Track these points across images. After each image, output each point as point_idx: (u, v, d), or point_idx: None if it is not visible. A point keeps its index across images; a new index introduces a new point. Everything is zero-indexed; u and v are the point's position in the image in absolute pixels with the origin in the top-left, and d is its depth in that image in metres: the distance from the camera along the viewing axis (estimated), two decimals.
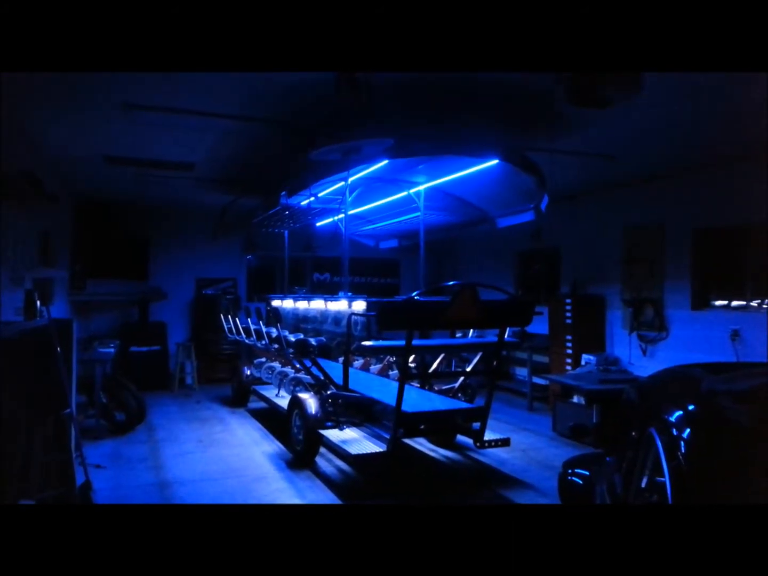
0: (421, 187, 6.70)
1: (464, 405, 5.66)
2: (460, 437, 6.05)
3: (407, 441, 6.25)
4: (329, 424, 5.48)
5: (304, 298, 7.85)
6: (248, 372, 8.42)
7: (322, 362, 5.98)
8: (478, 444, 5.24)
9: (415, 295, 4.76)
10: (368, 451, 4.90)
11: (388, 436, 4.89)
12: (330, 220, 8.11)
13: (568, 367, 8.18)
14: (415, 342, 4.91)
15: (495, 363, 5.58)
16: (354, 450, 4.92)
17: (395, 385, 5.12)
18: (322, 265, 11.79)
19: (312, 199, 6.38)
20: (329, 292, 10.31)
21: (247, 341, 8.09)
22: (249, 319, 7.68)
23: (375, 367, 7.25)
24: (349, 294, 6.27)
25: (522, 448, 6.34)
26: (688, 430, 1.88)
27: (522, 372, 9.65)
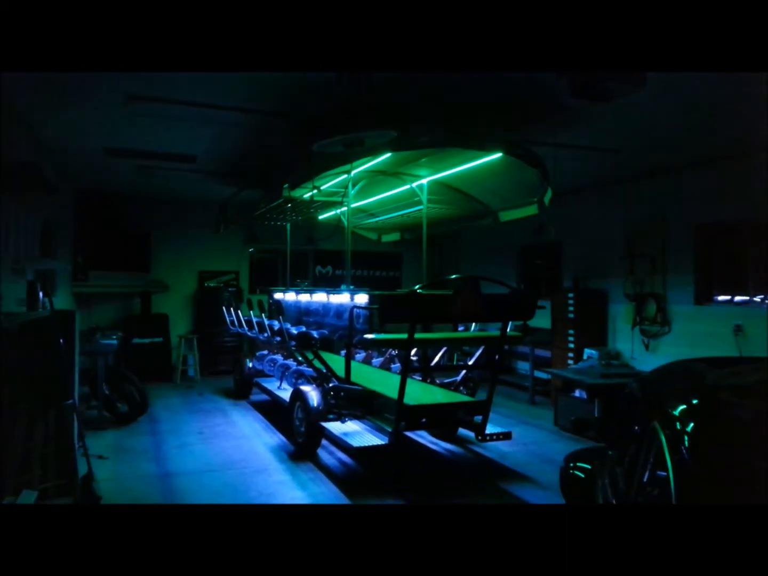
0: (424, 181, 6.67)
1: (466, 398, 5.66)
2: (462, 430, 6.06)
3: (409, 434, 6.26)
4: (331, 416, 5.49)
5: (306, 291, 7.85)
6: (250, 364, 8.44)
7: (324, 355, 5.99)
8: (479, 437, 5.24)
9: (418, 289, 4.76)
10: (370, 444, 4.91)
11: (389, 429, 4.89)
12: (332, 212, 8.09)
13: (570, 362, 8.17)
14: (417, 335, 4.91)
15: (497, 357, 5.57)
16: (356, 442, 4.94)
17: (397, 378, 5.12)
18: (324, 258, 11.78)
19: (314, 191, 6.35)
20: (331, 285, 10.30)
21: (249, 334, 8.09)
22: (251, 312, 7.68)
23: (377, 360, 7.26)
24: (352, 287, 6.26)
25: (523, 441, 6.34)
26: (691, 425, 1.88)
27: (524, 366, 9.66)
